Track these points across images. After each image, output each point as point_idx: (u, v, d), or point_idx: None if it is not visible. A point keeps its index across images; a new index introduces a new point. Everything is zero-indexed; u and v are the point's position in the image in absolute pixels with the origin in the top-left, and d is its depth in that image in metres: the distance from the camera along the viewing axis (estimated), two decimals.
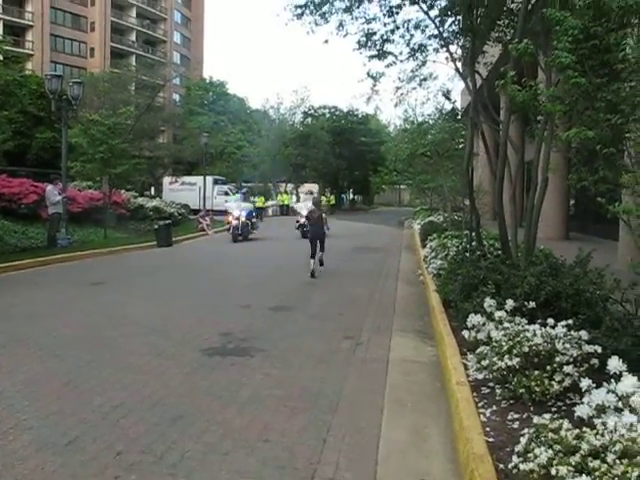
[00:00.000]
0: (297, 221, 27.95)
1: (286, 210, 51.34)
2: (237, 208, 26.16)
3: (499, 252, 10.52)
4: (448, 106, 22.26)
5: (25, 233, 19.26)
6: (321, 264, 15.38)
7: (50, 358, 7.15)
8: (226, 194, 45.96)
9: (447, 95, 15.70)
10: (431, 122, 24.55)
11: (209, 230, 29.49)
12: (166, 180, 48.45)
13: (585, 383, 4.13)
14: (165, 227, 22.98)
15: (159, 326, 8.98)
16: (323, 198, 59.47)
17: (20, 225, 19.70)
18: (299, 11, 12.86)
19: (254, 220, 27.86)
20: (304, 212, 23.72)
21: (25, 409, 5.41)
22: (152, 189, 46.30)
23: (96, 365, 6.83)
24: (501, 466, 3.93)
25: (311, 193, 57.24)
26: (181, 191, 44.24)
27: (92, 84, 40.51)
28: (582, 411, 3.80)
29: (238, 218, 25.64)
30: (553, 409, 4.86)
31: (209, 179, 41.23)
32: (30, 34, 68.66)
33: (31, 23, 68.55)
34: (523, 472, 3.37)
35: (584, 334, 5.38)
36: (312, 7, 12.80)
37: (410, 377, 6.69)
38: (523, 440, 3.64)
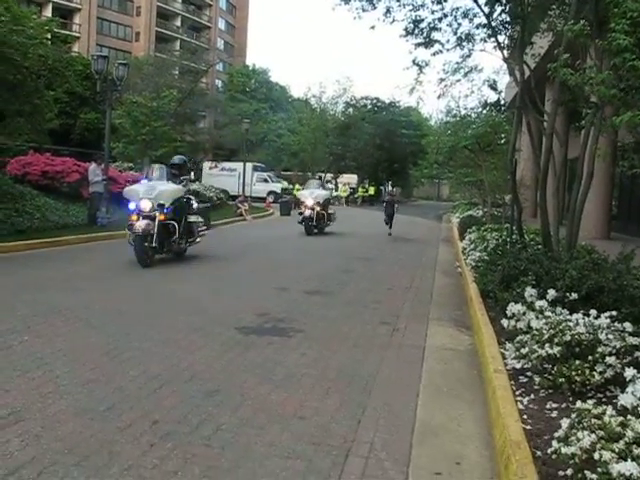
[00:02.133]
0: (300, 213, 23.06)
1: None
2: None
3: (539, 246, 10.39)
4: (492, 98, 22.10)
5: (66, 211, 19.51)
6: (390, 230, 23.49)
7: (88, 329, 7.23)
8: (265, 181, 46.18)
9: (493, 86, 15.56)
10: (474, 115, 24.36)
11: (247, 215, 29.58)
12: (206, 165, 48.73)
13: (630, 373, 4.07)
14: (204, 210, 23.05)
15: (195, 304, 9.04)
16: (360, 189, 59.69)
17: (62, 203, 19.95)
18: None
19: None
20: (309, 202, 22.30)
21: (64, 375, 5.47)
22: (192, 173, 46.54)
23: (133, 338, 6.88)
24: (538, 453, 3.87)
25: (348, 184, 57.35)
26: (220, 176, 44.50)
27: (136, 67, 40.87)
28: (626, 400, 3.73)
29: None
30: (593, 400, 4.78)
31: (249, 166, 41.39)
32: (78, 17, 69.65)
33: (79, 6, 69.53)
34: (565, 456, 3.30)
35: (628, 326, 5.29)
36: None
37: (446, 364, 6.64)
38: (564, 424, 3.58)
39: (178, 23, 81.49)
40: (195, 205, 14.93)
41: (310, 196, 22.42)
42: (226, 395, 5.21)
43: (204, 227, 15.33)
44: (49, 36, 23.72)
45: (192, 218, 14.36)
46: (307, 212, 22.01)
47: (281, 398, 5.21)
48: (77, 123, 36.82)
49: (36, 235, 15.73)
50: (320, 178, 25.65)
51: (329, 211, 23.44)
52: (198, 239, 14.75)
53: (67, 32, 59.87)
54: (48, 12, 60.17)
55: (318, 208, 22.15)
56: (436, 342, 7.52)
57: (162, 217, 12.70)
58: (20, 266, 12.09)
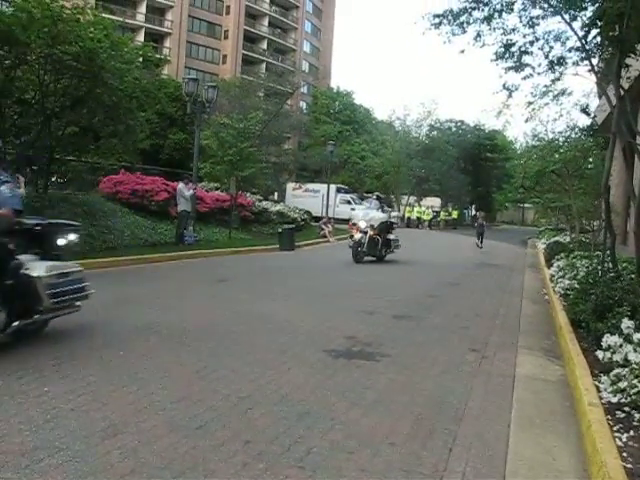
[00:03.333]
0: (351, 236, 20.61)
1: (409, 222, 51.67)
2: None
3: (633, 275, 10.09)
4: (582, 122, 21.65)
5: (155, 229, 20.12)
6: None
7: (180, 347, 7.38)
8: (348, 203, 46.27)
9: (586, 109, 15.25)
10: (561, 139, 23.92)
11: (330, 237, 29.72)
12: (290, 186, 49.24)
13: None
14: (289, 231, 23.39)
15: (283, 325, 9.10)
16: (442, 212, 59.26)
17: (150, 221, 20.55)
18: (437, 20, 12.76)
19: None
20: (362, 224, 19.83)
21: (158, 392, 5.59)
22: (276, 194, 47.14)
23: (223, 357, 6.98)
24: None
25: (431, 207, 56.99)
26: (304, 197, 44.86)
27: (224, 89, 41.75)
28: None
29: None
30: None
31: (332, 187, 41.64)
32: (168, 41, 71.81)
33: (169, 31, 71.82)
34: None
35: None
36: (450, 17, 12.70)
37: (537, 395, 6.49)
38: None
39: (264, 46, 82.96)
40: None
41: (363, 218, 20.26)
42: (316, 418, 5.22)
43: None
44: (142, 59, 24.55)
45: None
46: (357, 235, 19.73)
47: (371, 423, 5.19)
48: (166, 143, 37.83)
49: (126, 252, 16.22)
50: (378, 198, 22.66)
51: (390, 236, 20.97)
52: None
53: (158, 56, 61.72)
54: (141, 37, 62.18)
55: (372, 232, 19.68)
56: (526, 371, 7.37)
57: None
58: (112, 282, 12.42)
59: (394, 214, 51.17)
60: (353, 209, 27.09)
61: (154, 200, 21.99)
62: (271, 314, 9.90)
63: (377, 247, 20.02)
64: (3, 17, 15.24)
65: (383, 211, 21.38)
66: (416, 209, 54.86)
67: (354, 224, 20.54)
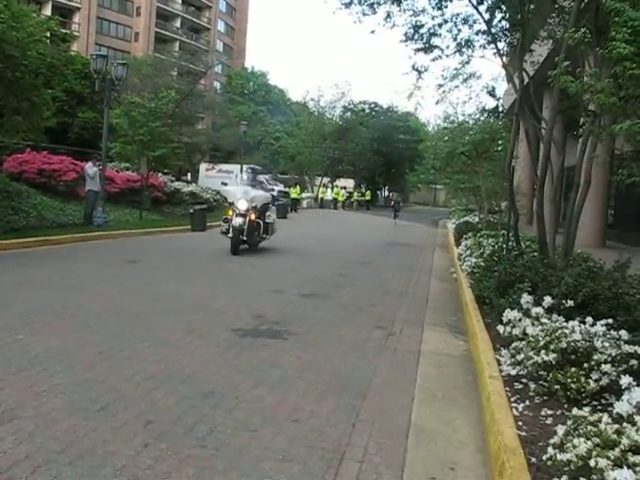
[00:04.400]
0: (225, 220, 16.34)
1: (323, 203, 51.91)
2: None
3: (535, 253, 10.40)
4: (491, 105, 22.12)
5: (63, 210, 19.52)
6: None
7: (83, 329, 7.20)
8: (261, 183, 46.08)
9: (492, 92, 15.59)
10: (471, 122, 24.38)
11: None
12: (203, 166, 48.63)
13: (625, 380, 4.07)
14: (200, 212, 23.11)
15: (192, 305, 9.01)
16: (355, 193, 59.79)
17: (58, 202, 19.96)
18: (347, 0, 12.81)
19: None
20: (242, 205, 15.77)
21: (58, 374, 5.44)
22: (189, 175, 46.50)
23: (128, 338, 6.86)
24: (533, 460, 3.86)
25: (344, 188, 57.39)
26: (217, 178, 44.37)
27: (135, 67, 40.91)
28: (622, 408, 3.71)
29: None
30: (589, 408, 4.77)
31: (246, 168, 41.31)
32: (77, 16, 69.64)
33: (79, 5, 69.60)
34: (560, 462, 3.29)
35: (624, 334, 5.30)
36: None
37: (441, 369, 6.63)
38: (560, 431, 3.57)
39: (178, 24, 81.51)
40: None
41: (244, 197, 15.96)
42: (221, 397, 5.19)
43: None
44: (48, 34, 23.71)
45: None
46: (236, 220, 15.46)
47: (275, 401, 5.19)
48: (75, 122, 36.76)
49: (32, 234, 15.71)
50: (253, 170, 18.96)
51: (267, 219, 17.10)
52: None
53: (66, 31, 59.75)
54: (48, 11, 60.03)
55: (253, 215, 15.91)
56: (431, 347, 7.52)
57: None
58: (16, 264, 12.04)
59: (305, 195, 51.73)
60: (225, 184, 20.87)
61: (62, 180, 21.31)
62: (179, 295, 9.78)
63: (257, 233, 16.36)
64: None
65: (263, 188, 18.21)
66: (329, 190, 55.17)
67: (231, 204, 16.26)
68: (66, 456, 3.91)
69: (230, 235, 15.50)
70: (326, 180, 59.53)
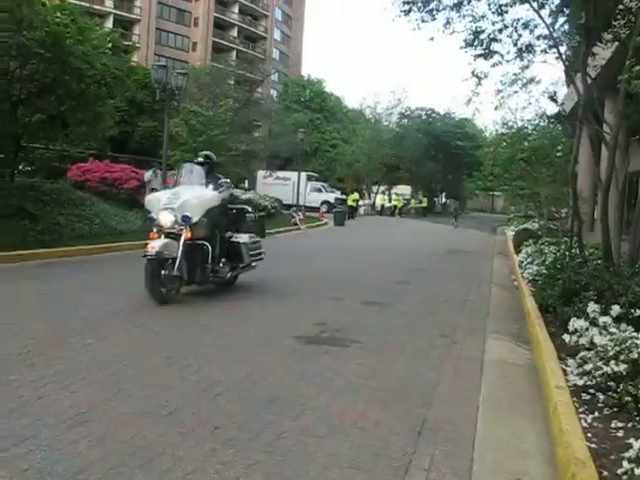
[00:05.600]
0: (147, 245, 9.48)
1: (382, 210, 51.80)
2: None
3: (599, 261, 10.22)
4: (551, 110, 21.83)
5: (124, 217, 19.87)
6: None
7: (149, 334, 7.35)
8: (319, 191, 46.29)
9: (554, 97, 15.36)
10: (530, 127, 24.11)
11: (301, 225, 29.71)
12: (260, 174, 49.08)
13: None
14: (259, 219, 23.17)
15: (252, 312, 9.12)
16: (413, 200, 59.52)
17: (120, 209, 20.35)
18: (406, 7, 12.81)
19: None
20: (165, 219, 9.30)
21: (126, 379, 5.56)
22: (246, 182, 46.93)
23: (193, 344, 6.97)
24: (605, 473, 3.79)
25: (402, 195, 57.18)
26: (275, 185, 44.82)
27: (194, 77, 41.43)
28: None
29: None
30: None
31: (303, 175, 41.61)
32: (137, 28, 71.00)
33: (139, 17, 70.96)
34: (637, 477, 3.23)
35: None
36: (420, 3, 12.74)
37: (505, 378, 6.56)
38: (636, 445, 3.50)
39: (234, 34, 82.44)
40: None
41: (168, 204, 9.49)
42: (285, 403, 5.22)
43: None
44: (110, 46, 24.25)
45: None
46: (155, 244, 9.10)
47: (340, 408, 5.19)
48: (135, 131, 37.45)
49: (95, 240, 16.06)
50: (202, 164, 10.56)
51: (240, 238, 10.87)
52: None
53: (128, 43, 61.04)
54: (109, 23, 61.37)
55: (189, 233, 9.34)
56: (494, 356, 7.44)
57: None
58: (81, 270, 12.37)
59: (363, 202, 51.53)
60: (154, 190, 15.68)
61: (123, 188, 21.79)
62: (241, 301, 9.88)
63: (205, 264, 9.78)
64: None
65: (215, 186, 10.20)
66: (387, 197, 55.04)
67: (152, 221, 9.70)
68: (137, 459, 3.98)
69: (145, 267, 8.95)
70: (383, 187, 59.35)
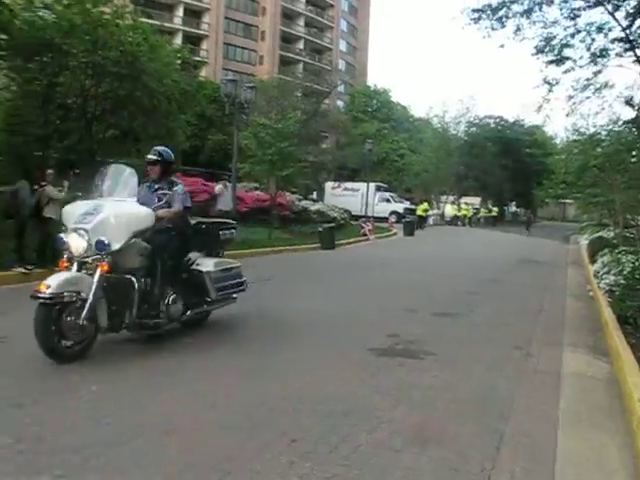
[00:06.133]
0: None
1: (452, 221, 51.15)
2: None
3: None
4: (625, 115, 21.29)
5: None
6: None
7: (230, 345, 7.52)
8: (387, 201, 46.19)
9: (630, 102, 15.02)
10: (604, 133, 23.59)
11: (371, 235, 29.69)
12: (328, 185, 49.28)
13: None
14: (329, 230, 23.40)
15: (326, 324, 9.14)
16: (482, 209, 58.75)
17: None
18: (476, 15, 12.74)
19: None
20: (76, 244, 6.61)
21: (210, 391, 5.71)
22: (315, 193, 47.20)
23: (270, 356, 7.06)
24: None
25: (472, 205, 56.51)
26: (343, 196, 44.88)
27: (261, 90, 41.99)
28: None
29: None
30: None
31: (372, 186, 41.63)
32: (205, 43, 72.34)
33: (207, 33, 72.28)
34: None
35: None
36: (489, 11, 12.64)
37: (584, 392, 6.42)
38: None
39: (301, 46, 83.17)
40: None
41: (82, 222, 6.73)
42: (361, 416, 5.22)
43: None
44: (180, 62, 24.80)
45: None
46: (48, 284, 6.27)
47: (416, 421, 5.17)
48: (205, 144, 38.15)
49: None
50: (154, 162, 7.79)
51: (203, 267, 8.05)
52: (234, 295, 8.70)
53: (198, 58, 62.22)
54: (178, 39, 62.68)
55: (104, 265, 6.60)
56: (572, 368, 7.28)
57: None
58: None
59: (432, 212, 51.09)
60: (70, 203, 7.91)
61: (195, 201, 22.17)
62: (313, 313, 9.94)
63: (137, 305, 6.98)
64: (46, 26, 15.57)
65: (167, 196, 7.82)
66: (456, 206, 54.44)
67: (60, 244, 6.87)
68: (216, 472, 4.07)
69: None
70: (452, 197, 58.83)
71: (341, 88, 79.16)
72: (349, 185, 47.91)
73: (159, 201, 7.70)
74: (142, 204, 7.28)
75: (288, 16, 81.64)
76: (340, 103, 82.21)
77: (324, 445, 4.56)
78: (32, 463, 4.05)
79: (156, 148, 8.01)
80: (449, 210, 53.60)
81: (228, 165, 23.29)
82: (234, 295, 8.66)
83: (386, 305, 11.06)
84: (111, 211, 6.81)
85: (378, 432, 4.89)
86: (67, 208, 7.19)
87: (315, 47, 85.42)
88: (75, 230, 6.67)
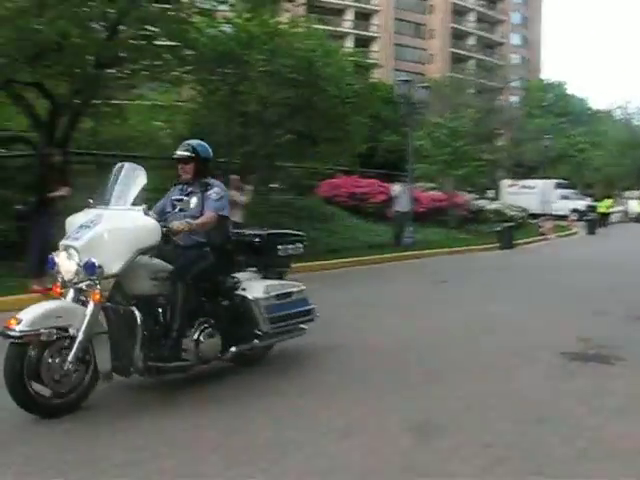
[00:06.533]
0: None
1: (637, 217, 47.94)
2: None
3: None
4: None
5: (373, 231, 20.55)
6: None
7: (403, 349, 7.47)
8: (567, 199, 44.43)
9: None
10: None
11: (550, 234, 28.75)
12: (504, 183, 48.12)
13: None
14: (507, 229, 22.99)
15: (509, 326, 8.92)
16: None
17: (368, 223, 21.07)
18: None
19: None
20: (66, 268, 5.21)
21: (390, 392, 5.76)
22: (489, 192, 46.26)
23: (453, 359, 6.99)
24: None
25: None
26: (519, 194, 43.67)
27: (434, 89, 41.70)
28: None
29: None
30: None
31: (551, 182, 40.33)
32: (375, 45, 72.95)
33: (377, 35, 72.91)
34: None
35: None
36: None
37: None
38: None
39: (472, 42, 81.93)
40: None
41: (74, 238, 5.32)
42: (555, 423, 5.04)
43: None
44: (354, 65, 25.18)
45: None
46: (19, 317, 4.82)
47: (617, 431, 4.90)
48: (379, 146, 38.42)
49: (347, 254, 16.76)
50: (186, 161, 6.10)
51: (249, 293, 6.25)
52: (302, 326, 6.86)
53: (372, 60, 62.82)
54: (349, 43, 63.66)
55: (96, 295, 5.11)
56: None
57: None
58: (338, 283, 12.99)
59: (616, 209, 48.12)
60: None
61: (371, 202, 22.59)
62: (494, 315, 9.74)
63: (134, 347, 5.29)
64: (227, 39, 16.49)
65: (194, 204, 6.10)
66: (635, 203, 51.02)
67: (50, 266, 5.42)
68: (407, 474, 4.09)
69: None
70: (638, 192, 55.53)
71: (514, 83, 77.19)
72: (525, 183, 46.56)
73: (173, 209, 6.18)
74: (160, 213, 6.00)
75: (458, 12, 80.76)
76: (514, 98, 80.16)
77: (517, 451, 4.45)
78: None
79: (189, 142, 6.31)
80: (634, 206, 50.47)
81: (403, 166, 23.34)
82: (301, 325, 6.80)
83: (574, 307, 10.60)
84: (106, 225, 5.30)
85: (575, 440, 4.67)
86: (69, 219, 5.68)
87: (487, 42, 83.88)
88: (65, 248, 5.28)
